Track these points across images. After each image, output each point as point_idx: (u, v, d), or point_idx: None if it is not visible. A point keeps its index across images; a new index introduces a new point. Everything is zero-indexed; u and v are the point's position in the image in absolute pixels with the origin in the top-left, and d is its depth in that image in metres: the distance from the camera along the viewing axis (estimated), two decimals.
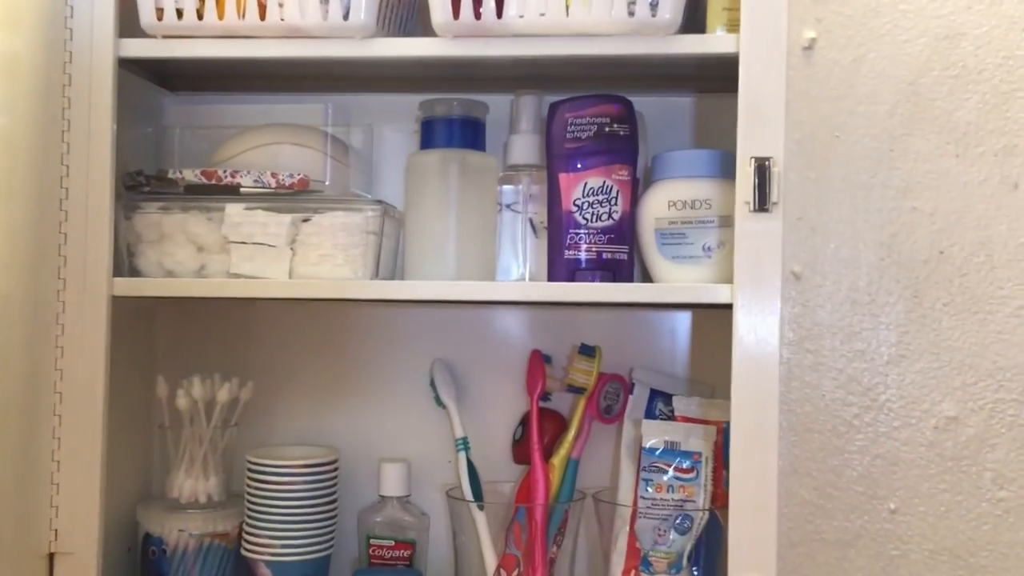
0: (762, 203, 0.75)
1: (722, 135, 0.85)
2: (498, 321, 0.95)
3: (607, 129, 0.82)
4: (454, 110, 0.85)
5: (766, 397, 0.75)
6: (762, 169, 0.75)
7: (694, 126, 0.94)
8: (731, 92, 0.80)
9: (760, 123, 0.75)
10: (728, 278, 0.77)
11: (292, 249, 0.81)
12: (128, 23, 0.80)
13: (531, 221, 0.87)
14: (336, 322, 0.95)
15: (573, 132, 0.83)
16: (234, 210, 0.80)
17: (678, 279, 0.82)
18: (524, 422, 0.91)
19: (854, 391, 0.93)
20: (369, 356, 0.95)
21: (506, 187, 0.87)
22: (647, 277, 0.84)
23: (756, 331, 0.75)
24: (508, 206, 0.87)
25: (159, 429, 0.89)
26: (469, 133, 0.85)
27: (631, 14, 0.76)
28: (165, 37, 0.80)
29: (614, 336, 0.92)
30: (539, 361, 0.91)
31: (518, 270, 0.87)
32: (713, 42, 0.78)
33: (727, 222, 0.79)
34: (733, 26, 0.78)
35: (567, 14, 0.77)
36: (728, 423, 0.78)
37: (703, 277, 0.81)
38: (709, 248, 0.81)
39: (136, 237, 0.83)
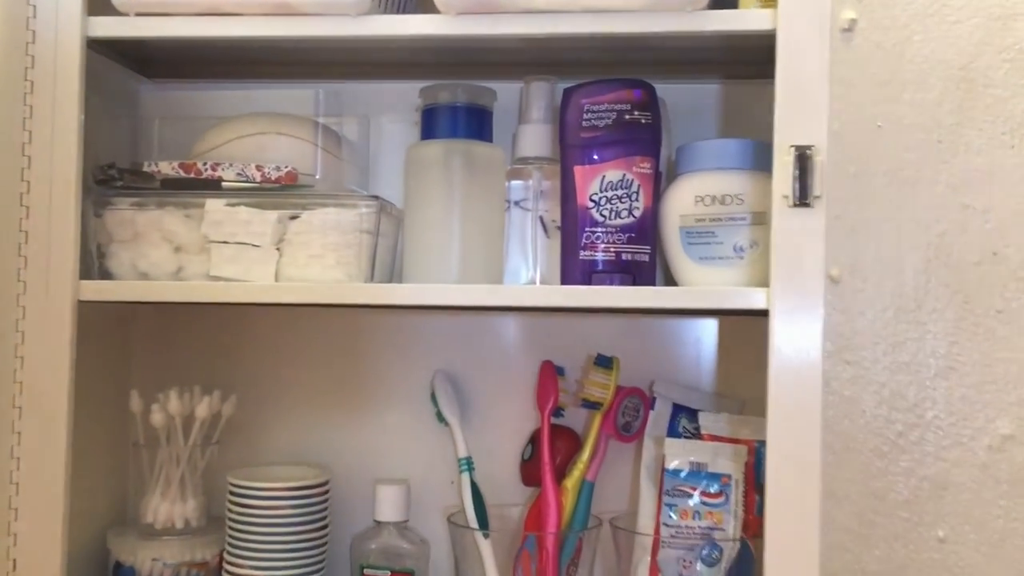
0: (803, 197, 0.68)
1: (752, 125, 0.82)
2: (506, 329, 0.89)
3: (627, 117, 0.76)
4: (458, 97, 0.80)
5: (807, 414, 0.68)
6: (803, 158, 0.68)
7: (721, 115, 0.88)
8: (761, 78, 0.77)
9: (801, 107, 0.69)
10: (763, 281, 0.71)
11: (279, 249, 0.76)
12: (99, 0, 0.75)
13: (542, 219, 0.82)
14: (328, 329, 0.90)
15: (589, 120, 0.76)
16: (215, 206, 0.76)
17: (706, 282, 0.76)
18: (534, 440, 0.87)
19: (898, 407, 0.87)
20: (364, 367, 0.90)
21: (515, 182, 0.82)
22: (671, 280, 0.79)
23: (795, 340, 0.69)
24: (517, 203, 0.82)
25: (133, 447, 0.82)
26: (474, 122, 0.80)
27: None
28: (138, 15, 0.75)
29: (633, 346, 0.87)
30: (551, 373, 0.85)
31: (528, 273, 0.82)
32: (747, 18, 0.72)
33: (761, 219, 0.74)
34: (768, 2, 0.72)
35: None
36: (761, 442, 0.74)
37: (734, 280, 0.75)
38: (741, 248, 0.75)
39: (107, 236, 0.78)
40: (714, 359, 0.88)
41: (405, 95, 0.86)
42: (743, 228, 0.75)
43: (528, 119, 0.83)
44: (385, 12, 0.76)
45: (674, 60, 0.83)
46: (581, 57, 0.81)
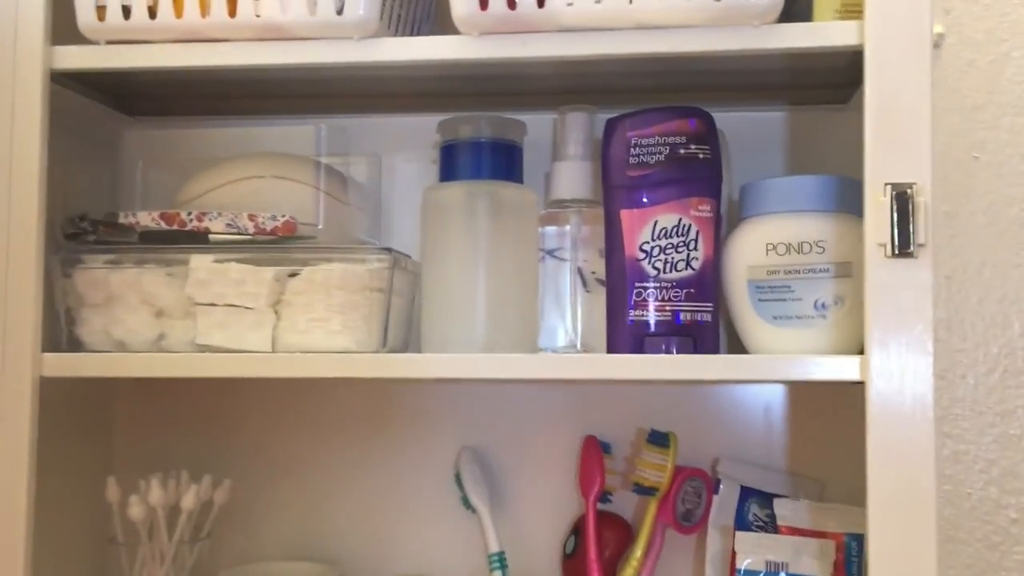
0: (904, 245, 0.59)
1: (824, 159, 0.74)
2: (542, 398, 0.79)
3: (682, 151, 0.66)
4: (482, 131, 0.72)
5: (919, 504, 0.57)
6: (903, 199, 0.59)
7: (787, 147, 0.78)
8: (834, 104, 0.71)
9: (897, 137, 0.59)
10: (850, 345, 0.62)
11: (276, 312, 0.68)
12: (64, 26, 0.67)
13: (581, 271, 0.72)
14: (335, 400, 0.81)
15: (638, 156, 0.67)
16: (201, 263, 0.68)
17: (782, 346, 0.65)
18: (578, 531, 0.77)
19: (1010, 489, 0.76)
20: (377, 444, 0.81)
21: (549, 228, 0.73)
22: (733, 339, 0.68)
23: (899, 418, 0.58)
24: (551, 252, 0.73)
25: (110, 544, 0.72)
26: (502, 160, 0.72)
27: None
28: (109, 42, 0.67)
29: (689, 416, 0.77)
30: (596, 450, 0.75)
31: (566, 335, 0.72)
32: (828, 33, 0.62)
33: (846, 270, 0.64)
34: (849, 13, 0.62)
35: (630, 0, 0.60)
36: (852, 536, 0.66)
37: (816, 344, 0.64)
38: (823, 305, 0.64)
39: (77, 299, 0.70)
40: (785, 430, 0.76)
41: (421, 130, 0.79)
42: (825, 282, 0.64)
43: (563, 155, 0.74)
44: (396, 34, 0.67)
45: (729, 84, 0.74)
46: (621, 83, 0.72)
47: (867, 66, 0.59)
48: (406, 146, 0.80)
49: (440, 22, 0.73)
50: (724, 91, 0.74)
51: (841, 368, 0.60)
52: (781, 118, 0.77)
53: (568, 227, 0.72)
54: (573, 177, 0.72)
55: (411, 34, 0.70)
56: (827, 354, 0.62)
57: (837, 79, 0.70)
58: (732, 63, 0.67)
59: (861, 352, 0.61)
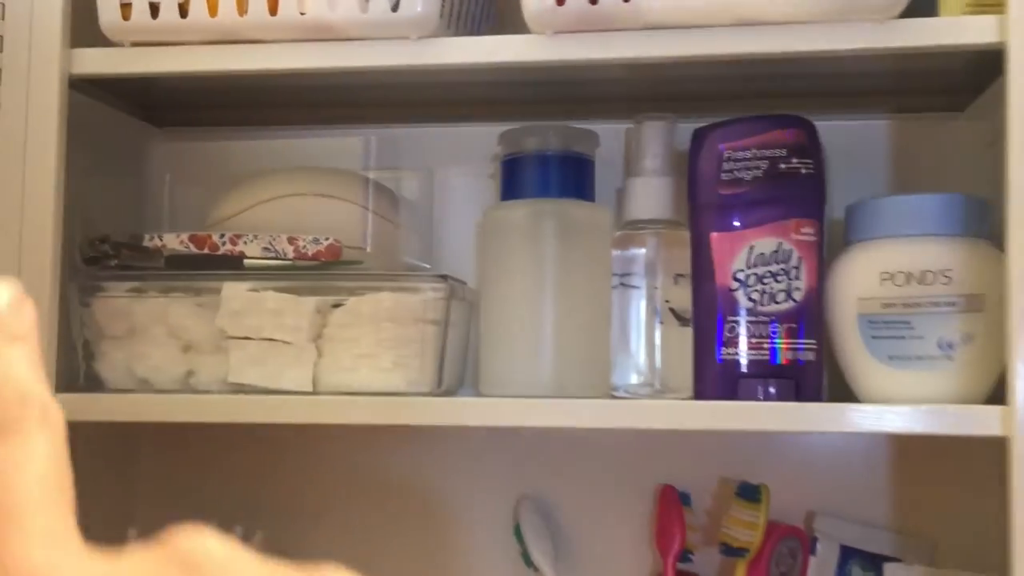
0: None
1: (934, 174, 0.67)
2: (610, 441, 0.71)
3: (782, 165, 0.59)
4: (550, 143, 0.64)
5: None
6: None
7: (890, 161, 0.70)
8: (946, 111, 0.65)
9: None
10: (979, 391, 0.55)
11: (318, 347, 0.61)
12: (84, 27, 0.60)
13: (664, 302, 0.64)
14: (381, 445, 0.73)
15: (731, 171, 0.60)
16: (235, 292, 0.61)
17: (899, 391, 0.57)
18: None
19: None
20: (428, 493, 0.73)
21: (622, 252, 0.65)
22: (839, 383, 0.60)
23: None
24: (625, 281, 0.65)
25: None
26: (571, 176, 0.65)
27: None
28: (135, 44, 0.60)
29: (780, 464, 0.69)
30: (674, 503, 0.68)
31: (640, 374, 0.64)
32: (963, 29, 0.54)
33: (977, 304, 0.56)
34: (983, 7, 0.54)
35: None
36: None
37: (939, 389, 0.56)
38: (949, 345, 0.57)
39: (97, 331, 0.63)
40: (889, 480, 0.67)
41: (475, 141, 0.72)
42: (952, 317, 0.56)
43: (639, 171, 0.66)
44: (456, 33, 0.59)
45: (827, 90, 0.66)
46: (699, 89, 0.66)
47: (1010, 67, 0.51)
48: (459, 159, 0.72)
49: (501, 20, 0.66)
50: (818, 97, 0.66)
51: (978, 420, 0.51)
52: (883, 127, 0.69)
53: (644, 250, 0.64)
54: (650, 195, 0.65)
55: (471, 33, 0.63)
56: (953, 402, 0.54)
57: (953, 83, 0.62)
58: (836, 65, 0.59)
59: (993, 399, 0.52)
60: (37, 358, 0.21)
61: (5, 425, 0.20)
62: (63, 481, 0.21)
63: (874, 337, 0.57)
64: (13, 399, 0.20)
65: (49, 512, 0.20)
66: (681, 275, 0.63)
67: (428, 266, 0.68)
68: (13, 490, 0.20)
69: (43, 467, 0.20)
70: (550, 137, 0.64)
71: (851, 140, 0.68)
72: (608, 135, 0.67)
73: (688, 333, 0.61)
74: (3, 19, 0.58)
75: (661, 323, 0.63)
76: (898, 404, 0.54)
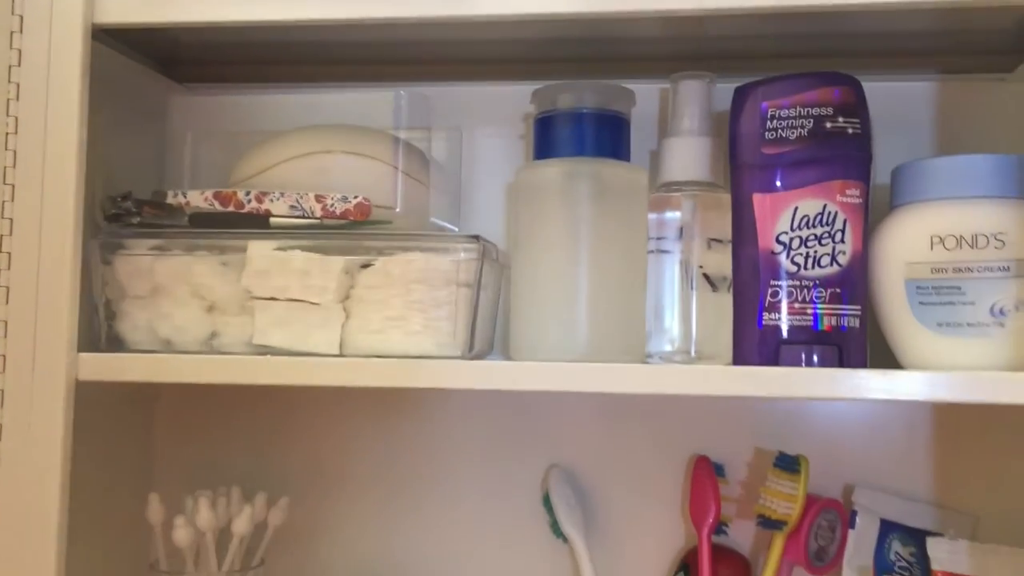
0: None
1: (981, 136, 0.65)
2: (642, 409, 0.69)
3: (828, 124, 0.57)
4: (585, 100, 0.62)
5: None
6: None
7: (935, 123, 0.68)
8: (994, 71, 0.63)
9: None
10: None
11: (345, 309, 0.59)
12: None
13: (698, 267, 0.62)
14: (406, 409, 0.72)
15: (775, 130, 0.58)
16: (261, 251, 0.60)
17: (948, 359, 0.55)
18: (687, 566, 0.67)
19: None
20: (455, 460, 0.71)
21: (659, 215, 0.63)
22: (882, 350, 0.58)
23: None
24: (659, 245, 0.63)
25: (151, 572, 0.64)
26: (607, 135, 0.62)
27: None
28: None
29: (818, 434, 0.67)
30: (709, 474, 0.66)
31: (675, 340, 0.62)
32: None
33: None
34: None
35: None
36: None
37: (990, 357, 0.54)
38: (1001, 311, 0.54)
39: (119, 290, 0.62)
40: (931, 452, 0.65)
41: (509, 101, 0.70)
42: (1005, 282, 0.54)
43: (676, 131, 0.64)
44: None
45: (870, 49, 0.63)
46: (737, 47, 0.63)
47: None
48: (489, 119, 0.70)
49: None
50: (862, 57, 0.64)
51: None
52: (929, 88, 0.66)
53: (680, 213, 0.62)
54: (689, 155, 0.63)
55: None
56: (1003, 370, 0.52)
57: (1002, 43, 0.60)
58: (880, 23, 0.57)
59: None
60: None
61: None
62: None
63: (922, 303, 0.55)
64: None
65: None
66: (715, 239, 0.61)
67: (455, 228, 0.66)
68: None
69: None
70: (586, 94, 0.62)
71: (895, 101, 0.66)
72: (643, 95, 0.65)
73: (721, 299, 0.59)
74: None
75: (704, 290, 0.62)
76: (947, 372, 0.52)
